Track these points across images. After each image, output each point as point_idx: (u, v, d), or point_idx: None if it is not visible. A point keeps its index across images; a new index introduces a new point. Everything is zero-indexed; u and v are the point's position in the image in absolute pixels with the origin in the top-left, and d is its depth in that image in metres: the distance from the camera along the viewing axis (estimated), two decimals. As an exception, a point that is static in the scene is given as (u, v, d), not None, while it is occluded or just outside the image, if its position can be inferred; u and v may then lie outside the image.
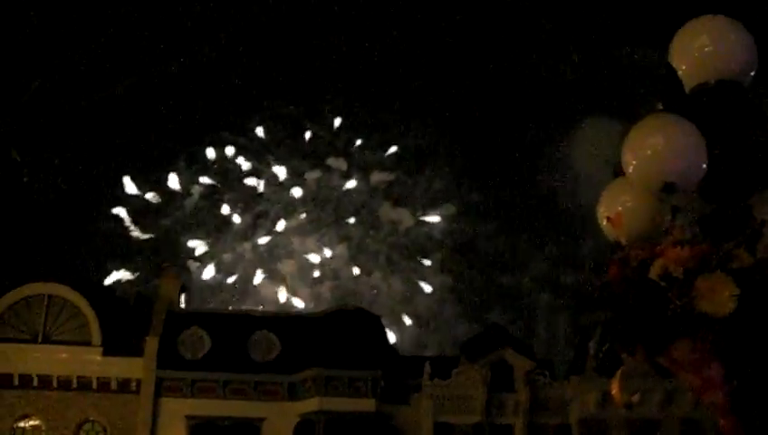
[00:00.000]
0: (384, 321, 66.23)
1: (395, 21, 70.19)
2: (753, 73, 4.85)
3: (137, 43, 65.41)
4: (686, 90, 4.90)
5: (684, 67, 4.92)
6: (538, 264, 67.02)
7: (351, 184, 75.54)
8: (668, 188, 4.57)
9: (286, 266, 73.30)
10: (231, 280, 72.88)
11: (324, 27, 70.10)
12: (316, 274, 73.43)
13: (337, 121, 75.97)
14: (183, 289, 43.83)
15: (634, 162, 4.72)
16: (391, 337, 62.50)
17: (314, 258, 73.86)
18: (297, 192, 75.85)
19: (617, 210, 4.85)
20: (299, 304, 69.88)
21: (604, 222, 4.95)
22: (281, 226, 74.93)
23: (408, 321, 70.29)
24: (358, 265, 73.61)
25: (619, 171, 4.90)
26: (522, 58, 67.20)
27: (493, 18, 67.25)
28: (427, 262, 73.06)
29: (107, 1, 61.32)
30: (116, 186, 71.84)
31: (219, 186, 75.42)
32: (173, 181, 74.53)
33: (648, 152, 4.68)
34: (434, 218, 74.11)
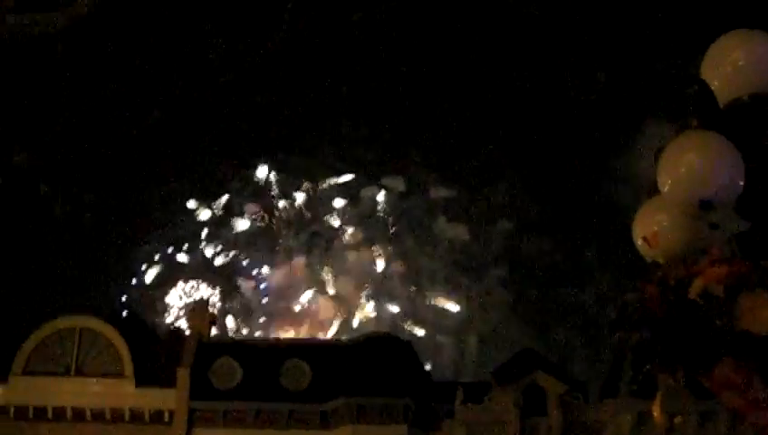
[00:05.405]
0: (444, 340, 65.82)
1: (449, 45, 70.40)
2: None
3: (167, 72, 65.83)
4: (720, 105, 4.82)
5: (717, 82, 4.84)
6: (602, 279, 65.72)
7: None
8: (705, 206, 4.49)
9: (341, 285, 73.02)
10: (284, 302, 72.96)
11: (377, 44, 69.99)
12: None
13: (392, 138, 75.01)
14: (213, 322, 43.95)
15: (669, 180, 4.64)
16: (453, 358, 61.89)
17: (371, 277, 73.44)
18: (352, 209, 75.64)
19: (652, 230, 4.77)
20: (356, 324, 69.71)
21: (639, 242, 4.87)
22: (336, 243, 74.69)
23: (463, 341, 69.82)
24: (415, 284, 73.10)
25: (653, 190, 4.82)
26: (581, 74, 67.07)
27: (541, 37, 67.49)
28: None
29: (129, 31, 61.79)
30: (149, 215, 72.36)
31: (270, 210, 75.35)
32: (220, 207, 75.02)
33: (684, 170, 4.59)
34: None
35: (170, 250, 74.28)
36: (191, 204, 74.96)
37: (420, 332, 69.74)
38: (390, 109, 71.76)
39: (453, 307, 71.18)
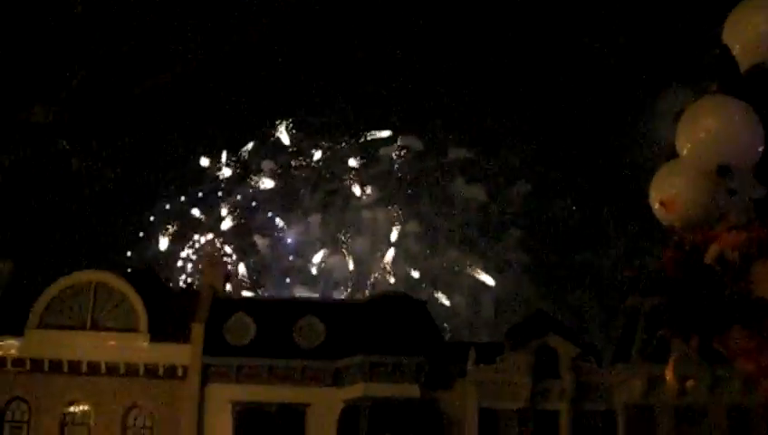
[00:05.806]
0: (459, 300, 65.64)
1: (471, 5, 70.01)
2: None
3: (186, 29, 65.33)
4: (741, 70, 4.77)
5: (738, 47, 4.79)
6: (619, 242, 65.48)
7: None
8: (723, 171, 4.46)
9: (357, 244, 72.97)
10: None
11: (397, 3, 69.45)
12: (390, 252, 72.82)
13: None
14: (227, 278, 44.05)
15: (688, 144, 4.61)
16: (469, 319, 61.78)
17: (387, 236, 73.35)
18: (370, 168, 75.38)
19: (670, 193, 4.74)
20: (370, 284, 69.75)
21: (657, 206, 4.84)
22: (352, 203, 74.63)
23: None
24: (431, 244, 72.97)
25: (671, 153, 4.79)
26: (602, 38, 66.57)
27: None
28: None
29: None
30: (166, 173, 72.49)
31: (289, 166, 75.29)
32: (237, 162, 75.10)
33: (702, 134, 4.55)
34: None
35: (186, 207, 74.53)
36: (208, 161, 75.12)
37: (437, 293, 69.85)
38: (409, 69, 71.40)
39: (489, 280, 70.95)
